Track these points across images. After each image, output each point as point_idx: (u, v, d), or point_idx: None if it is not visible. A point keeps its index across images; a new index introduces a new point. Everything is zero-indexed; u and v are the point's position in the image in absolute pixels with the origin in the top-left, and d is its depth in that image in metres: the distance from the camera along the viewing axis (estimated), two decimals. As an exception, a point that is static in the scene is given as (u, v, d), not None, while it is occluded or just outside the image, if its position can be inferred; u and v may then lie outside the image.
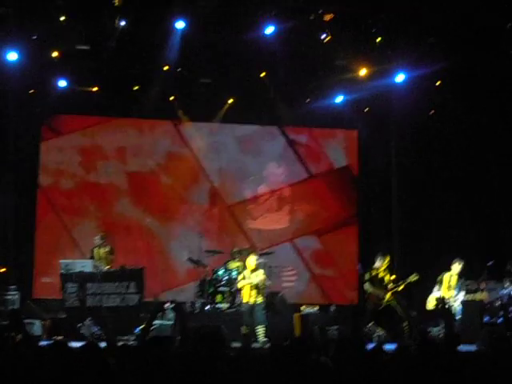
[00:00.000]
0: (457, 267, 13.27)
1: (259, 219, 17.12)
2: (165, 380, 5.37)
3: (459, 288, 13.28)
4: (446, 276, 13.33)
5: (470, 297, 13.29)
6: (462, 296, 13.24)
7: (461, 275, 13.39)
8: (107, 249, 14.76)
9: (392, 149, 16.80)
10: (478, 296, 13.24)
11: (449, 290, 13.26)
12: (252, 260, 13.10)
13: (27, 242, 15.79)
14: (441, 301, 13.08)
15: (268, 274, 13.66)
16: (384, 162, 16.75)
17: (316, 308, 14.58)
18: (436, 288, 13.39)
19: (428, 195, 16.14)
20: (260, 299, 12.89)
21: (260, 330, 12.65)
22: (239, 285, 13.20)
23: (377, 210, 16.70)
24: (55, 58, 14.67)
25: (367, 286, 13.22)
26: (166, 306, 13.39)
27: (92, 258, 14.64)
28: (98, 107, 16.15)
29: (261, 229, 17.08)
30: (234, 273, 15.09)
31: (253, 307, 12.81)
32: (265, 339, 12.43)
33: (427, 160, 16.21)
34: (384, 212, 16.61)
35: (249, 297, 12.93)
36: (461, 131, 15.87)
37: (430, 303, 13.34)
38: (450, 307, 13.10)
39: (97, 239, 14.81)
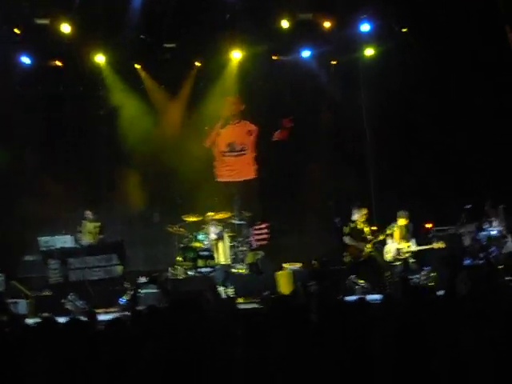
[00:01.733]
0: (403, 221, 13.35)
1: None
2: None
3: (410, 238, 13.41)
4: (396, 228, 13.38)
5: (424, 246, 13.43)
6: (413, 247, 13.35)
7: (408, 227, 13.48)
8: (97, 224, 14.73)
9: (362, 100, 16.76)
10: (435, 245, 13.34)
11: (404, 242, 13.34)
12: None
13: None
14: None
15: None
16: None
17: (298, 265, 14.65)
18: (390, 240, 13.45)
19: (402, 142, 16.08)
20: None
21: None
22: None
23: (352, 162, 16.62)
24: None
25: (347, 239, 13.28)
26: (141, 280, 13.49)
27: (80, 231, 14.58)
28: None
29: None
30: (213, 236, 15.21)
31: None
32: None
33: (396, 108, 16.13)
34: (359, 162, 16.55)
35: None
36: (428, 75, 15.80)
37: (388, 254, 13.41)
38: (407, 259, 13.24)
39: (88, 214, 14.75)
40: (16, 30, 14.67)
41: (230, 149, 17.38)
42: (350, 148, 16.63)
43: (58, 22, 14.74)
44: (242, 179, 17.25)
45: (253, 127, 17.33)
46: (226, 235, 14.87)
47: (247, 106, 17.08)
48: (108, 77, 16.49)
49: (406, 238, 13.35)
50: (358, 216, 13.28)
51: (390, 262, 13.28)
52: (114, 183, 16.33)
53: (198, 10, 14.93)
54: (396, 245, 13.32)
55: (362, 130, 16.78)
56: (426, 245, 13.41)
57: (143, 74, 16.75)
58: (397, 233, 13.34)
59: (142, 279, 13.45)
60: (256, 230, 16.12)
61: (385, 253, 13.39)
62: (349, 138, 16.73)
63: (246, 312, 8.02)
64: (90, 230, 14.68)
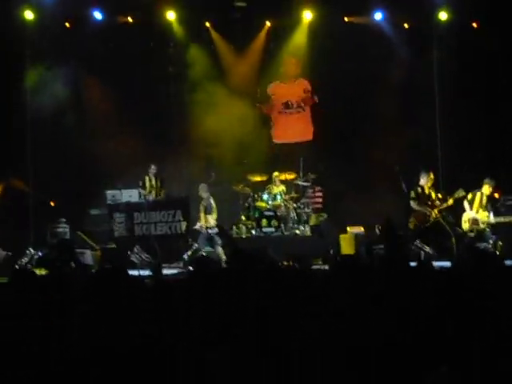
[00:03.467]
0: (487, 189, 13.06)
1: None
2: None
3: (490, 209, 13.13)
4: (478, 195, 13.12)
5: (502, 219, 13.14)
6: (492, 218, 13.07)
7: (490, 196, 13.19)
8: (159, 180, 14.84)
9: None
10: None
11: (483, 211, 13.08)
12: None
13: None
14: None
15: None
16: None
17: (361, 229, 14.55)
18: (468, 207, 13.20)
19: (472, 110, 15.72)
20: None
21: None
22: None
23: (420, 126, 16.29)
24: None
25: (413, 204, 13.04)
26: (211, 231, 13.56)
27: (143, 186, 14.71)
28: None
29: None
30: (278, 197, 15.19)
31: None
32: None
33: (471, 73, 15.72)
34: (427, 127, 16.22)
35: None
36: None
37: (465, 224, 13.16)
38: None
39: (153, 168, 14.85)
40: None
41: (285, 107, 17.23)
42: (419, 112, 16.26)
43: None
44: (299, 140, 17.08)
45: (309, 86, 17.12)
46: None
47: (311, 68, 16.84)
48: (178, 34, 16.51)
49: (485, 207, 13.09)
50: (425, 181, 13.00)
51: (466, 231, 13.05)
52: (179, 141, 16.40)
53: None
54: (473, 214, 13.06)
55: (432, 95, 16.40)
56: (505, 217, 13.14)
57: (213, 33, 16.70)
58: (477, 201, 13.06)
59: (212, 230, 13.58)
60: (310, 194, 16.07)
61: (462, 221, 13.16)
62: (418, 102, 16.36)
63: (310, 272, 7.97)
64: (152, 186, 14.79)
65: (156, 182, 14.85)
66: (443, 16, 15.88)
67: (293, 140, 17.12)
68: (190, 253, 13.44)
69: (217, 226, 13.63)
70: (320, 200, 16.24)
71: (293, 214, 15.24)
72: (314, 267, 11.40)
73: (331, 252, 13.45)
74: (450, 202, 12.79)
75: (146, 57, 16.28)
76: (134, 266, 12.52)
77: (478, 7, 15.23)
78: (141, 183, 14.75)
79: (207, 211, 13.76)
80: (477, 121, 15.67)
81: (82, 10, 15.86)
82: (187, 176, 16.18)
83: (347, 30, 16.28)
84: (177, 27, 16.45)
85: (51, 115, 15.49)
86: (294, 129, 17.23)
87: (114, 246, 14.17)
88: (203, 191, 13.92)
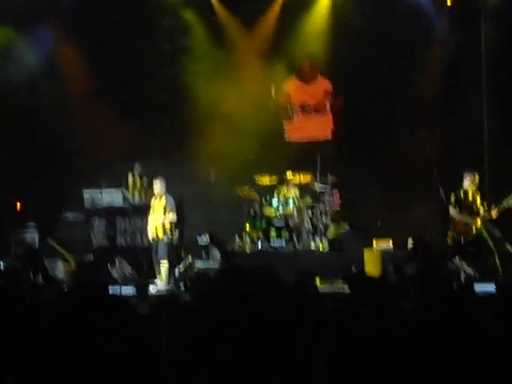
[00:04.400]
0: None
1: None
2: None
3: None
4: None
5: None
6: None
7: None
8: (145, 180, 14.73)
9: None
10: None
11: None
12: None
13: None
14: None
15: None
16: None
17: (390, 243, 14.42)
18: None
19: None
20: None
21: None
22: None
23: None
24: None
25: (453, 212, 12.89)
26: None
27: (125, 186, 14.64)
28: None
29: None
30: (291, 203, 15.11)
31: None
32: None
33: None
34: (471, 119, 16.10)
35: None
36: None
37: None
38: None
39: (137, 166, 14.75)
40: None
41: (302, 110, 17.20)
42: (462, 101, 16.12)
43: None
44: (316, 139, 17.02)
45: (330, 86, 17.06)
46: None
47: (331, 54, 16.75)
48: (174, 4, 16.47)
49: None
50: (469, 183, 12.85)
51: None
52: (174, 134, 16.34)
53: None
54: None
55: (479, 81, 16.28)
56: None
57: (216, 4, 16.63)
58: None
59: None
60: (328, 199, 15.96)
61: None
62: (461, 90, 16.22)
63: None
64: (136, 187, 14.70)
65: (141, 181, 14.75)
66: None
67: (309, 139, 17.07)
68: (182, 267, 13.38)
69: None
70: (339, 208, 16.12)
71: (308, 225, 15.15)
72: (331, 289, 11.36)
73: (354, 270, 13.35)
74: (495, 212, 12.64)
75: (138, 31, 16.22)
76: (115, 283, 12.46)
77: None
78: (124, 182, 14.67)
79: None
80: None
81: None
82: (180, 175, 16.05)
83: (376, 5, 16.17)
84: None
85: (17, 91, 15.45)
86: (311, 127, 17.20)
87: (91, 257, 14.12)
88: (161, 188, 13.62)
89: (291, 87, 17.23)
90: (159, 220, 13.11)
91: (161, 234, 13.12)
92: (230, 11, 16.72)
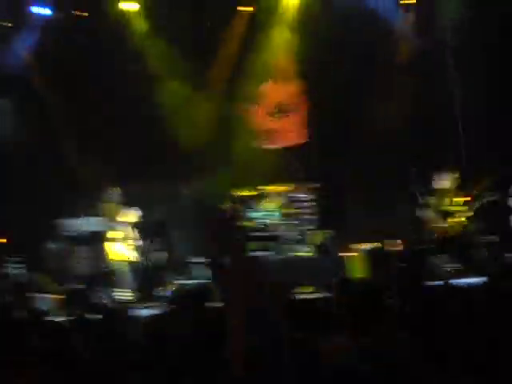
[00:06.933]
0: None
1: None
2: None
3: None
4: None
5: None
6: None
7: None
8: (119, 206, 14.67)
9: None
10: None
11: None
12: None
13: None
14: None
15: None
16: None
17: (373, 245, 14.51)
18: None
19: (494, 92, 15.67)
20: None
21: None
22: None
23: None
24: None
25: (429, 213, 13.03)
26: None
27: (101, 215, 14.58)
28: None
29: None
30: (277, 214, 15.15)
31: None
32: None
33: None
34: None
35: None
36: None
37: None
38: None
39: (112, 193, 14.64)
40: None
41: (279, 109, 17.24)
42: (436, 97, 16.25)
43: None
44: (292, 145, 17.09)
45: (303, 86, 17.14)
46: None
47: (302, 61, 16.83)
48: (138, 24, 16.51)
49: None
50: (446, 182, 12.99)
51: None
52: (150, 155, 16.32)
53: None
54: None
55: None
56: None
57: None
58: None
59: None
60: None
61: None
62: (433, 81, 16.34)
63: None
64: (112, 214, 14.57)
65: (116, 210, 14.66)
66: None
67: (285, 144, 17.11)
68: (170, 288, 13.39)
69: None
70: (320, 213, 16.16)
71: (293, 233, 15.25)
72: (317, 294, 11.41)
73: (340, 274, 13.43)
74: (475, 207, 12.76)
75: (103, 53, 16.28)
76: (102, 310, 12.41)
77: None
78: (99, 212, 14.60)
79: None
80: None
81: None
82: (154, 196, 16.06)
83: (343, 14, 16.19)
84: (136, 16, 16.48)
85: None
86: (287, 132, 17.25)
87: (78, 286, 14.09)
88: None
89: (267, 89, 17.28)
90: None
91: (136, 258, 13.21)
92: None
